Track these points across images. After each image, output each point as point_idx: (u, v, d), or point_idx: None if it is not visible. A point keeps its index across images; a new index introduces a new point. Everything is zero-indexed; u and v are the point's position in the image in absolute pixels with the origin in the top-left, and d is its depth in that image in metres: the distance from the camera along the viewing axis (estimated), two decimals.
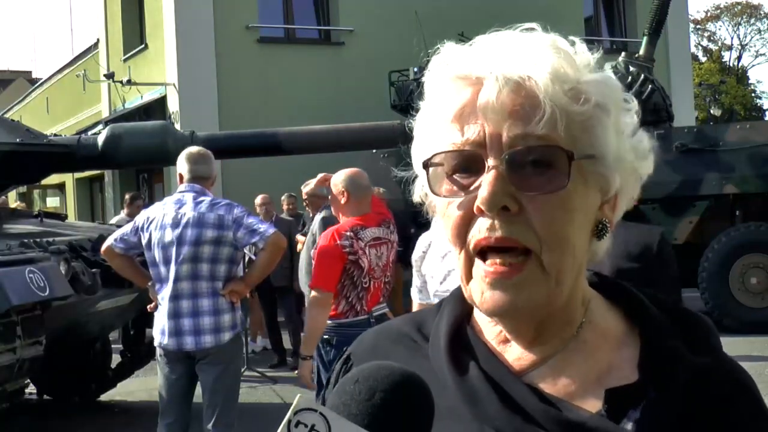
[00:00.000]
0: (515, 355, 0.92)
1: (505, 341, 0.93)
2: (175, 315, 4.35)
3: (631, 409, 0.86)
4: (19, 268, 4.97)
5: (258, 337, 10.04)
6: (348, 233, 4.27)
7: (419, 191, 0.94)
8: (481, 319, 0.96)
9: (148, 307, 4.58)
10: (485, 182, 0.83)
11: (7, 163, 6.57)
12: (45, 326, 5.27)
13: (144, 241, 4.43)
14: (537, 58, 0.85)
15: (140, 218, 4.52)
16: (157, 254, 4.38)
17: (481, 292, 0.87)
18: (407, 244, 9.04)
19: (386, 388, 0.75)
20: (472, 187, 0.85)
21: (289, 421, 0.70)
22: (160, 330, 4.42)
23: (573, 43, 0.89)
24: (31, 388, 7.33)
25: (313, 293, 4.26)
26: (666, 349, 0.89)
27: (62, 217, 7.72)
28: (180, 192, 4.48)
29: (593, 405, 0.87)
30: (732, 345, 7.25)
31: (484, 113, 0.84)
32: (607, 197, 0.90)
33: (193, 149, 4.64)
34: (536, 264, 0.85)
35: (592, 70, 0.88)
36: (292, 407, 0.71)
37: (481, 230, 0.85)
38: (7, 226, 6.41)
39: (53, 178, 16.25)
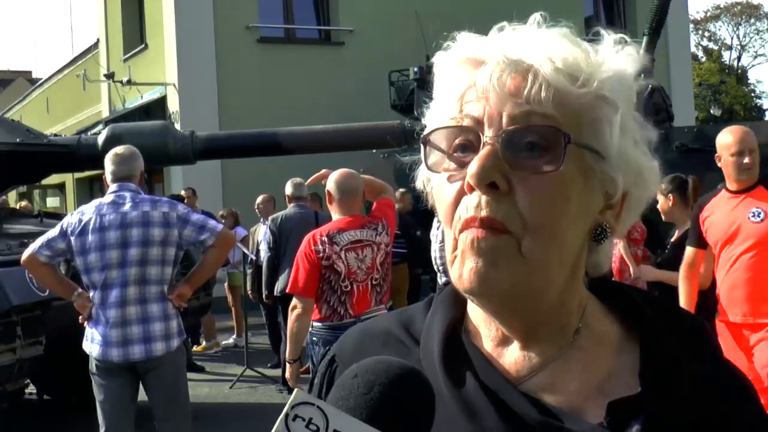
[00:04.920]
0: (511, 360, 0.89)
1: (501, 344, 0.90)
2: (122, 323, 4.05)
3: (633, 419, 0.83)
4: (19, 268, 4.95)
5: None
6: (323, 238, 4.27)
7: (422, 176, 0.92)
8: (475, 321, 0.93)
9: (79, 318, 4.22)
10: (477, 157, 0.82)
11: (7, 163, 6.57)
12: (45, 326, 5.28)
13: (75, 247, 4.10)
14: (541, 42, 0.85)
15: (68, 222, 4.18)
16: (95, 259, 4.06)
17: (460, 270, 0.83)
18: (411, 245, 9.09)
19: (384, 381, 0.74)
20: (468, 166, 0.84)
21: (287, 415, 0.69)
22: (100, 341, 4.09)
23: (598, 37, 0.89)
24: (31, 388, 7.34)
25: (294, 298, 4.30)
26: (667, 357, 0.87)
27: (62, 218, 7.71)
28: (113, 193, 4.19)
29: (594, 415, 0.84)
30: None
31: (485, 92, 0.83)
32: (610, 202, 0.88)
33: (119, 149, 4.36)
34: (513, 244, 0.82)
35: (606, 64, 0.86)
36: (289, 401, 0.70)
37: (468, 208, 0.82)
38: (7, 226, 6.41)
39: (53, 178, 16.23)
